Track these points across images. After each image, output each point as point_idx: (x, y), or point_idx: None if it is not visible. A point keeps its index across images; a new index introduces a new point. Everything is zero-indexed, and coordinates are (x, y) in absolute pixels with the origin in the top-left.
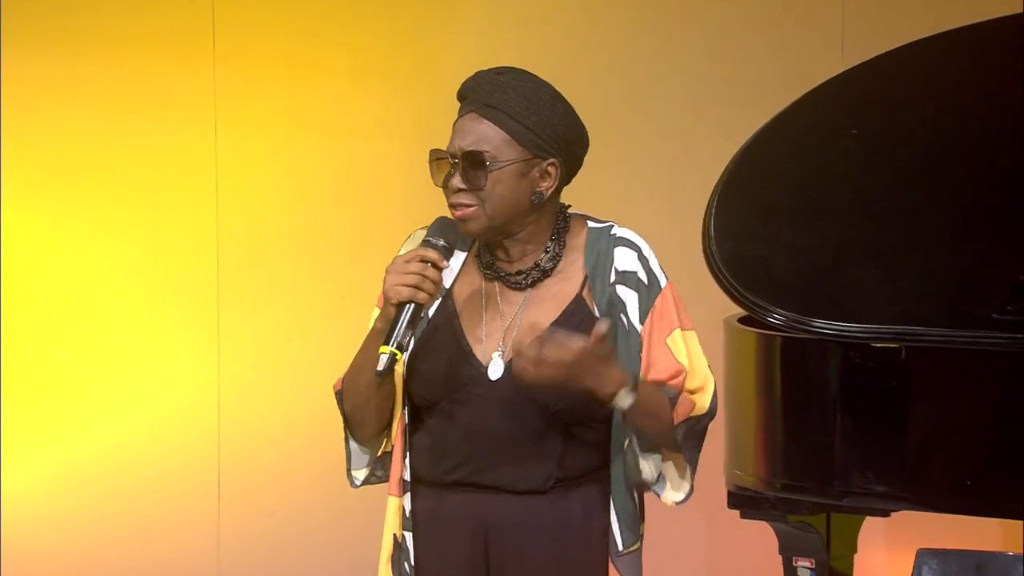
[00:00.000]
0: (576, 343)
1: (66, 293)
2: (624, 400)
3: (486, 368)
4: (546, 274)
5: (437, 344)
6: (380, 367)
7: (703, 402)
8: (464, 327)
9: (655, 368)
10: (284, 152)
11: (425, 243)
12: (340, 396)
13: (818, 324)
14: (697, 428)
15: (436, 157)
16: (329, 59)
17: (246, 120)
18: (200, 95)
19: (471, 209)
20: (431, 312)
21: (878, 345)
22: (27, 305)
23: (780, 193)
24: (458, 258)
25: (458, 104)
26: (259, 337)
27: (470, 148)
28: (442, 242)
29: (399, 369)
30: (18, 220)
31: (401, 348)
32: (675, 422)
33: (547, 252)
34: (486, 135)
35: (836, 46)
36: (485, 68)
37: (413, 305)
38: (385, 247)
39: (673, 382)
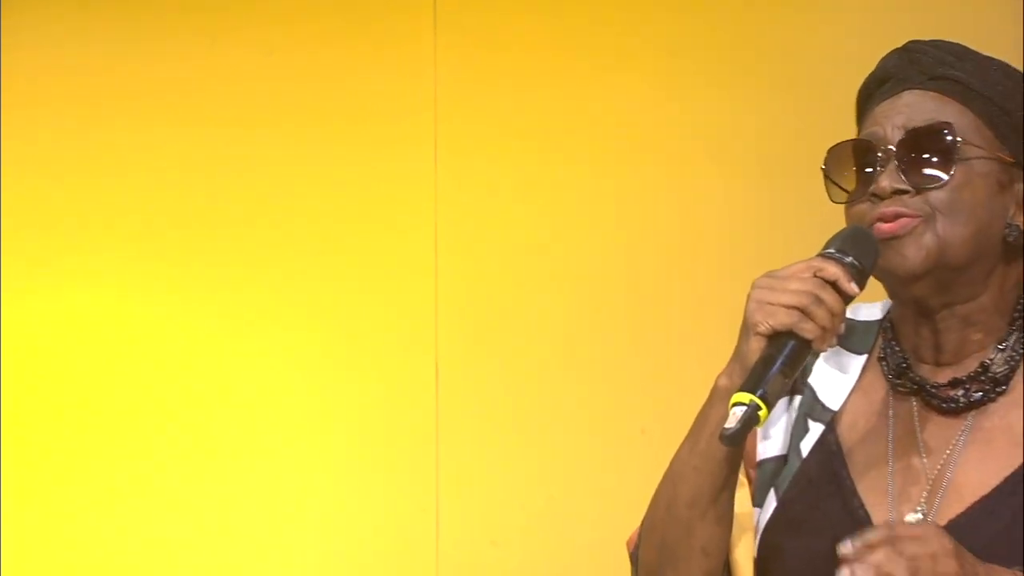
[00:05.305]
0: None
1: (220, 404)
2: None
3: None
4: (1000, 387)
5: (813, 501)
6: (731, 424)
7: None
8: (855, 476)
9: None
10: (537, 185)
11: (824, 255)
12: (636, 555)
13: None
14: None
15: (839, 153)
16: (611, 46)
17: (476, 137)
18: (416, 100)
19: (916, 220)
20: (805, 449)
21: None
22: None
23: None
24: (852, 363)
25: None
26: (495, 495)
27: (924, 123)
28: (850, 258)
29: (740, 511)
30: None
31: (767, 401)
32: None
33: (1002, 349)
34: (944, 110)
35: None
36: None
37: (793, 342)
38: (711, 341)
39: None
